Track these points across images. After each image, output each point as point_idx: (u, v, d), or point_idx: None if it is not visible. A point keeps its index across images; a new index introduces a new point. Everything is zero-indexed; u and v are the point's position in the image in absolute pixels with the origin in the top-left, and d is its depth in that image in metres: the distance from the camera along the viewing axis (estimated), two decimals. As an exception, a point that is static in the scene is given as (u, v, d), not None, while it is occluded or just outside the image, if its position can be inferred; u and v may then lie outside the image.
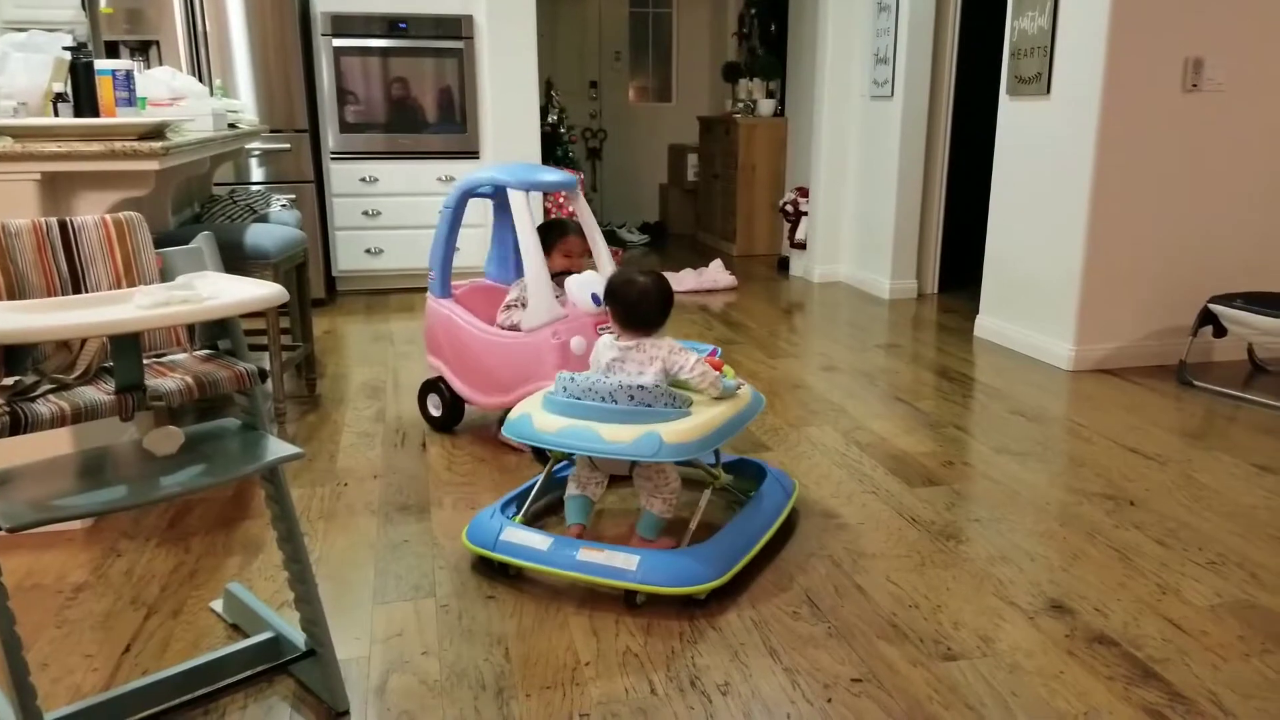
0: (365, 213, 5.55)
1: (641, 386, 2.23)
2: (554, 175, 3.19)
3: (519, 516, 2.45)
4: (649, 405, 2.22)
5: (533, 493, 2.53)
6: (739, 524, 2.36)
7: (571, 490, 2.44)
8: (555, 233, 3.24)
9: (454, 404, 3.31)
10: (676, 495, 2.36)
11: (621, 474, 2.50)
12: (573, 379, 2.30)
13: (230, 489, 2.81)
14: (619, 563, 2.16)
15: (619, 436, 2.17)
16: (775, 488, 2.60)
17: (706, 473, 2.49)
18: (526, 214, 3.04)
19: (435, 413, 3.36)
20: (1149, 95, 3.84)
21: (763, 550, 2.37)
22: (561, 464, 2.64)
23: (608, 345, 2.39)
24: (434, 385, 3.34)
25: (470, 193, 3.22)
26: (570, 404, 2.27)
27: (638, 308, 2.35)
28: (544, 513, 2.64)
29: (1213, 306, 3.74)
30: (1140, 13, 3.75)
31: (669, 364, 2.32)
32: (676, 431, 2.17)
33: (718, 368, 2.43)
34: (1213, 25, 3.83)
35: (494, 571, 2.32)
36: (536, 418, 2.29)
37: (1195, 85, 3.87)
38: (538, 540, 2.26)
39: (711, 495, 2.41)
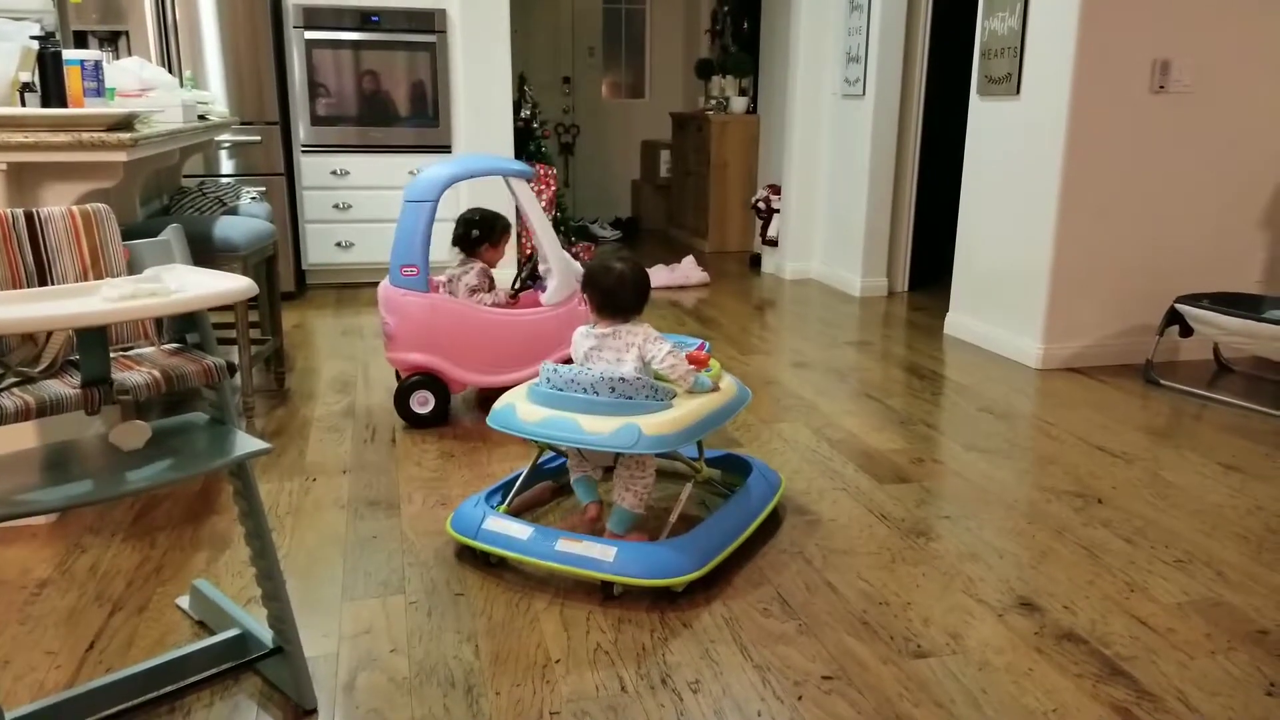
0: (336, 206, 5.50)
1: (623, 379, 2.24)
2: (519, 164, 3.43)
3: (503, 506, 2.46)
4: (630, 397, 2.24)
5: (517, 484, 2.53)
6: (719, 518, 2.37)
7: (574, 475, 2.49)
8: (500, 228, 3.49)
9: (448, 398, 3.32)
10: (649, 490, 2.37)
11: (600, 463, 2.52)
12: (556, 370, 2.32)
13: (197, 484, 2.78)
14: (596, 554, 2.18)
15: (599, 428, 2.19)
16: (760, 482, 2.60)
17: (689, 466, 2.50)
18: (533, 200, 3.35)
19: (424, 410, 3.30)
20: (1117, 96, 3.88)
21: (738, 546, 2.37)
22: (548, 456, 2.65)
23: (584, 334, 2.41)
24: (419, 384, 3.28)
25: (449, 184, 3.26)
26: (553, 395, 2.29)
27: (615, 293, 2.36)
28: (534, 503, 2.66)
29: (1179, 306, 3.78)
30: (1109, 14, 3.79)
31: (644, 351, 2.33)
32: (656, 424, 2.19)
33: (704, 361, 2.45)
34: (1180, 27, 3.88)
35: (466, 566, 2.31)
36: (520, 408, 2.31)
37: (1163, 87, 3.91)
38: (518, 530, 2.28)
39: (693, 489, 2.42)
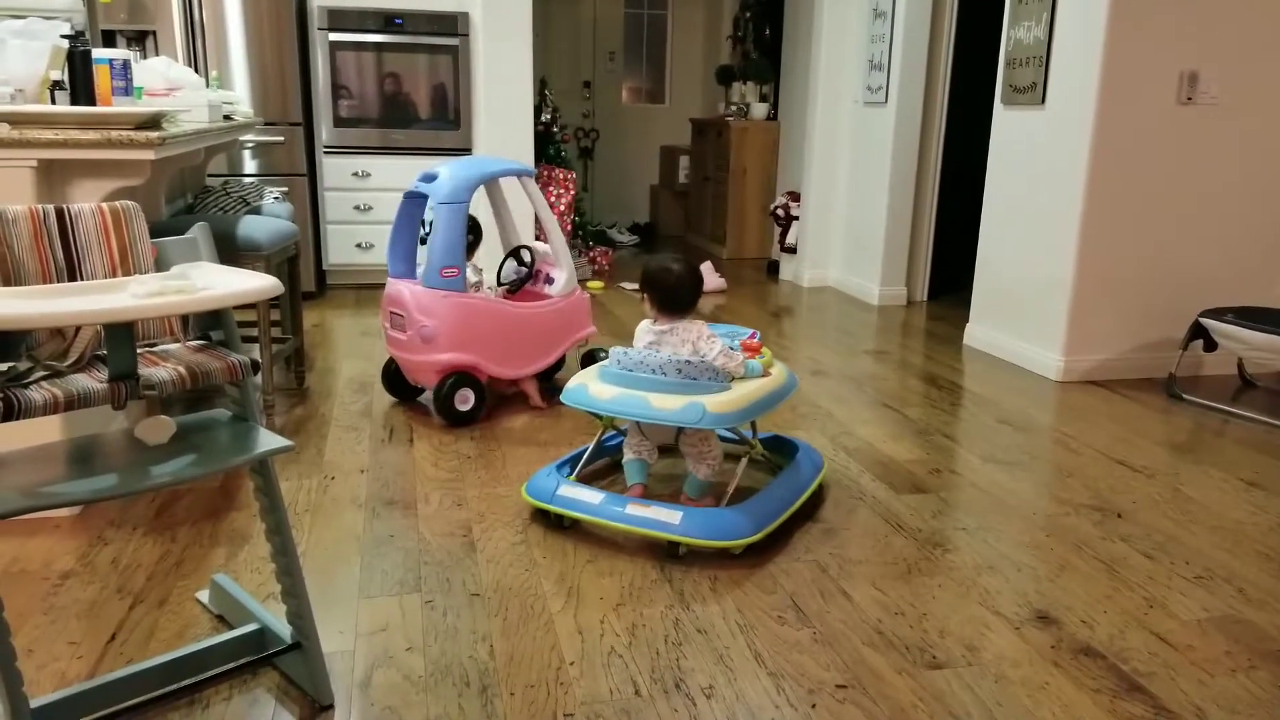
0: (357, 207, 5.53)
1: (689, 361, 2.49)
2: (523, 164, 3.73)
3: (573, 476, 2.68)
4: (694, 379, 2.47)
5: (584, 457, 2.77)
6: (774, 489, 2.60)
7: (628, 455, 2.69)
8: (480, 232, 3.66)
9: (485, 394, 3.40)
10: (719, 462, 2.64)
11: (668, 443, 2.74)
12: (626, 353, 2.56)
13: (217, 480, 2.80)
14: (664, 517, 2.40)
15: (666, 405, 2.42)
16: (807, 460, 2.84)
17: (746, 443, 2.76)
18: (540, 196, 3.55)
19: (466, 408, 3.33)
20: (1144, 107, 3.87)
21: (751, 553, 2.40)
22: (611, 434, 2.87)
23: (645, 329, 2.66)
24: (460, 382, 3.31)
25: (478, 186, 3.38)
26: (623, 375, 2.53)
27: (674, 293, 2.59)
28: (593, 477, 2.83)
29: (1204, 320, 3.76)
30: (1137, 25, 3.78)
31: (697, 348, 2.56)
32: (718, 402, 2.42)
33: (757, 349, 2.70)
34: (1209, 39, 3.86)
35: (478, 566, 2.32)
36: (592, 387, 2.56)
37: (1190, 98, 3.89)
38: (590, 495, 2.53)
39: (748, 464, 2.67)
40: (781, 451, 2.94)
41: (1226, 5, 3.84)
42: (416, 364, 3.35)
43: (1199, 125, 3.94)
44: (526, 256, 3.69)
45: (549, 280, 3.66)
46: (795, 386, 2.77)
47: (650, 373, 2.49)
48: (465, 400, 3.33)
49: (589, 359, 3.66)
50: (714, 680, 1.90)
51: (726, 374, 2.54)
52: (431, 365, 3.31)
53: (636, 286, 2.85)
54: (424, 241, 3.64)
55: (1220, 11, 3.84)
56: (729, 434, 2.89)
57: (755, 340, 2.74)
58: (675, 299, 2.59)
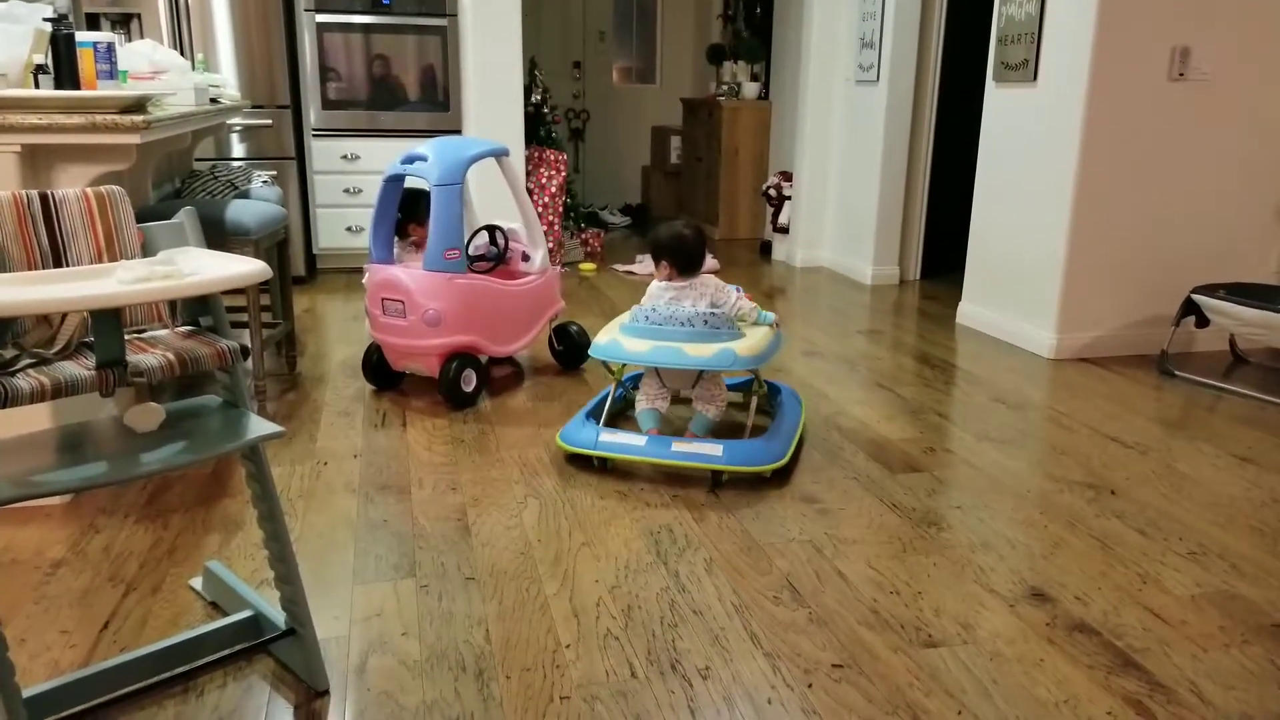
0: (346, 190, 5.50)
1: (713, 313, 2.82)
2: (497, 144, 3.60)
3: (602, 423, 2.91)
4: (718, 329, 2.81)
5: (608, 404, 3.00)
6: (781, 422, 2.96)
7: (642, 405, 2.96)
8: (424, 207, 3.47)
9: (487, 373, 3.48)
10: (725, 403, 3.00)
11: (682, 390, 3.02)
12: (654, 309, 2.86)
13: (209, 466, 2.79)
14: (707, 450, 2.73)
15: (700, 352, 2.75)
16: (791, 399, 3.22)
17: (757, 383, 3.15)
18: (517, 175, 3.67)
19: (470, 389, 3.36)
20: (1135, 84, 3.85)
21: (744, 533, 2.40)
22: (619, 389, 3.11)
23: (664, 288, 2.94)
24: (465, 364, 3.32)
25: (470, 166, 3.38)
26: (654, 329, 2.83)
27: (689, 254, 2.93)
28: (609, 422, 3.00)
29: (1196, 297, 3.76)
30: (1129, 1, 3.76)
31: (715, 299, 2.90)
32: (744, 347, 2.79)
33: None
34: (1201, 15, 3.84)
35: (481, 549, 2.32)
36: (625, 342, 2.84)
37: (1182, 74, 3.88)
38: (635, 439, 2.80)
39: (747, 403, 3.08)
40: (769, 392, 3.32)
41: (1219, -20, 3.83)
42: (418, 348, 3.32)
43: (1191, 102, 3.93)
44: (500, 239, 3.69)
45: (525, 258, 3.69)
46: (782, 338, 3.15)
47: (680, 325, 2.81)
48: (469, 381, 3.35)
49: (561, 332, 3.82)
50: (710, 661, 1.90)
51: (741, 318, 2.91)
52: (435, 349, 3.30)
53: (648, 255, 3.24)
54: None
55: (1212, -14, 3.83)
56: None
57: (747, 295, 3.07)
58: (690, 259, 2.93)
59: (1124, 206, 3.98)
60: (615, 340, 2.86)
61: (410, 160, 3.33)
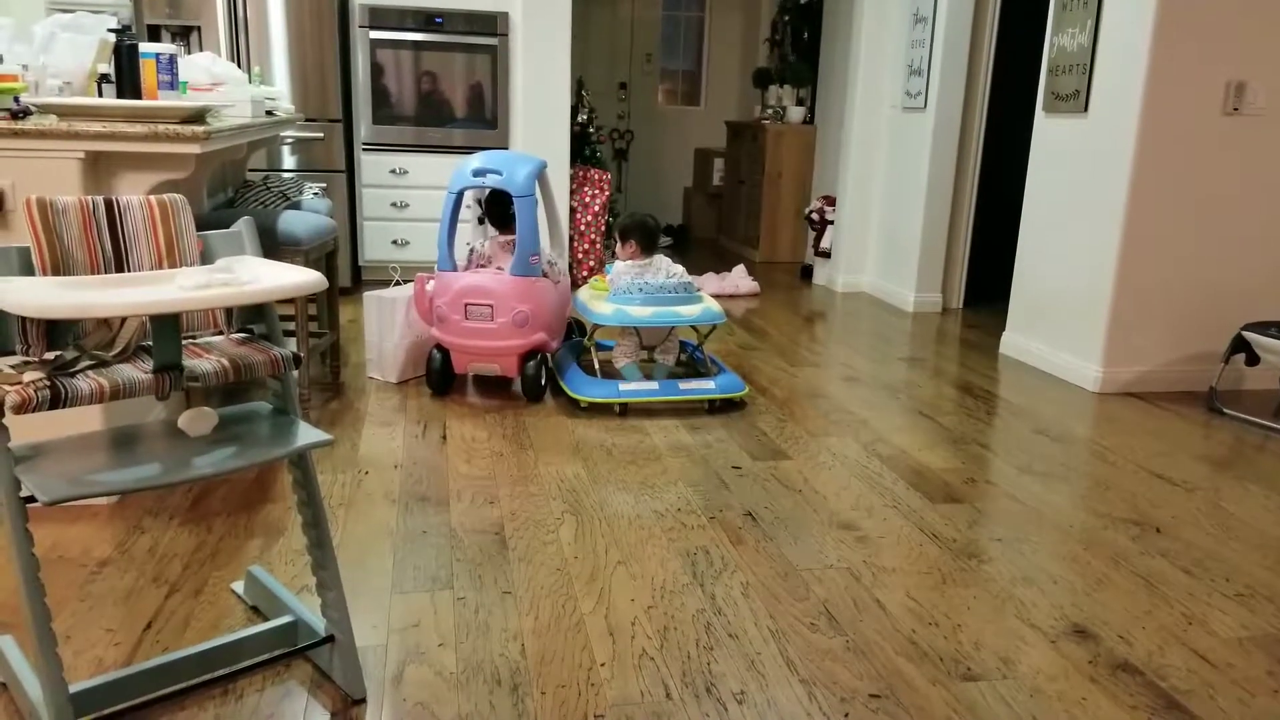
0: (394, 204, 5.56)
1: (684, 282, 3.64)
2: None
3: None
4: (691, 293, 3.60)
5: (597, 367, 3.69)
6: (722, 369, 3.78)
7: (621, 361, 3.73)
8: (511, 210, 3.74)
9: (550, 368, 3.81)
10: (677, 354, 3.83)
11: (657, 343, 3.75)
12: (647, 283, 3.59)
13: (253, 471, 2.82)
14: (703, 385, 3.58)
15: (690, 312, 3.57)
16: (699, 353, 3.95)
17: (700, 337, 3.86)
18: (549, 188, 3.93)
19: (544, 381, 3.67)
20: (1188, 117, 3.82)
21: (781, 558, 2.39)
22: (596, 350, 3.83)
23: (629, 266, 3.72)
24: (541, 359, 3.65)
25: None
26: (650, 297, 3.54)
27: (652, 236, 3.81)
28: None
29: (1246, 334, 3.70)
30: (1184, 34, 3.73)
31: (670, 270, 3.74)
32: (716, 303, 3.64)
33: None
34: (1256, 49, 3.80)
35: (506, 562, 2.33)
36: (631, 310, 3.52)
37: (1236, 108, 3.84)
38: (649, 385, 3.57)
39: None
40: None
41: (1275, 14, 3.78)
42: (505, 349, 3.56)
43: (1245, 136, 3.89)
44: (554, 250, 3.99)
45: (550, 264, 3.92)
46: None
47: (670, 292, 3.57)
48: (544, 375, 3.66)
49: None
50: (745, 686, 1.89)
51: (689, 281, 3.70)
52: (518, 348, 3.56)
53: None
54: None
55: (1268, 21, 3.78)
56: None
57: None
58: (653, 240, 3.80)
59: (1174, 240, 3.93)
60: (620, 309, 3.52)
61: (481, 173, 3.58)
